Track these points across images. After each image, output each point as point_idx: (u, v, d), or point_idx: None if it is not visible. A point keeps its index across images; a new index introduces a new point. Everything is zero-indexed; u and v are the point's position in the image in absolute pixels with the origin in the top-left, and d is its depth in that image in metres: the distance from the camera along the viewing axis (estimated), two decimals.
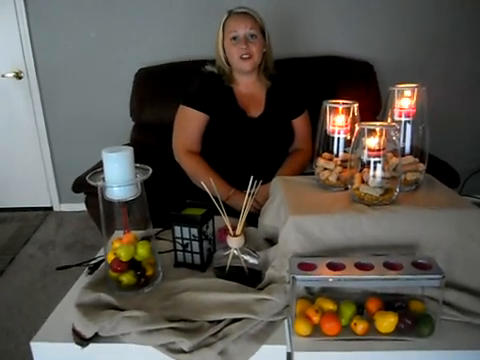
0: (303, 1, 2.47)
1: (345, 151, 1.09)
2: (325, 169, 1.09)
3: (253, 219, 1.17)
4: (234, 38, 1.55)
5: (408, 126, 1.06)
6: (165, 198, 1.43)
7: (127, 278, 0.93)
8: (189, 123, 1.62)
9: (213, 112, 1.59)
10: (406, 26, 2.50)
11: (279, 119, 1.64)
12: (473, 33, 2.51)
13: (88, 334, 0.82)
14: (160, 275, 0.99)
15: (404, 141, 1.07)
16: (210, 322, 0.84)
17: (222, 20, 1.59)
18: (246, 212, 0.97)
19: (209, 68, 1.66)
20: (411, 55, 2.53)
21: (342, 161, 1.09)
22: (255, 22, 1.56)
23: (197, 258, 1.03)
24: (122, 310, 0.85)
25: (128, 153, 0.89)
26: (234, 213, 1.04)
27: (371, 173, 0.94)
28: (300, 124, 1.68)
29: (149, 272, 0.96)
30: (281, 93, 1.66)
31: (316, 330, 0.81)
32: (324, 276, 0.80)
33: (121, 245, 0.94)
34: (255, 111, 1.61)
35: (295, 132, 1.68)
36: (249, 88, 1.64)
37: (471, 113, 2.67)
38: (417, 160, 1.06)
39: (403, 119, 1.05)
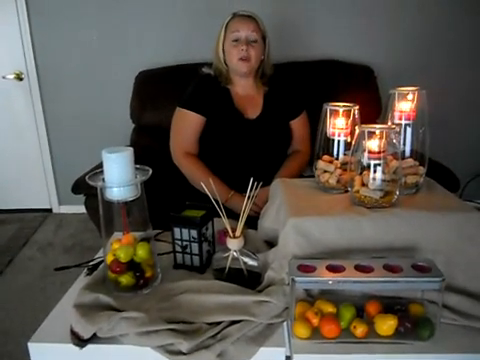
0: (303, 5, 2.48)
1: (345, 154, 1.09)
2: (325, 171, 1.09)
3: (253, 222, 1.17)
4: (236, 40, 1.55)
5: (408, 129, 1.06)
6: (165, 200, 1.42)
7: (126, 279, 0.93)
8: (186, 125, 1.62)
9: (210, 114, 1.59)
10: (406, 30, 2.51)
11: (277, 121, 1.64)
12: (473, 37, 2.52)
13: (86, 335, 0.81)
14: (159, 276, 0.98)
15: (404, 144, 1.07)
16: (209, 324, 0.84)
17: (225, 21, 1.59)
18: (246, 214, 0.97)
19: (206, 70, 1.67)
20: (411, 59, 2.54)
21: (342, 164, 1.09)
22: (258, 27, 1.57)
23: (196, 260, 1.03)
24: (120, 311, 0.85)
25: (128, 154, 0.89)
26: (233, 215, 1.04)
27: (371, 176, 0.94)
28: (298, 125, 1.68)
29: (148, 273, 0.96)
30: (279, 95, 1.66)
31: (315, 333, 0.80)
32: (324, 278, 0.79)
33: (120, 246, 0.93)
34: (252, 113, 1.61)
35: (293, 133, 1.68)
36: (246, 90, 1.64)
37: (471, 118, 2.67)
38: (417, 163, 1.06)
39: (403, 122, 1.05)
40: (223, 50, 1.60)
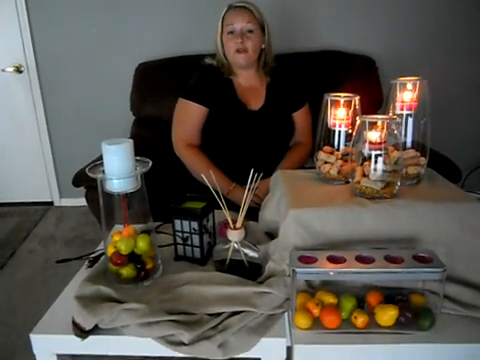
0: None
1: (346, 144, 1.08)
2: (326, 163, 1.08)
3: (254, 214, 1.16)
4: (231, 32, 1.54)
5: (409, 120, 1.05)
6: (165, 192, 1.42)
7: (127, 271, 0.93)
8: (188, 116, 1.61)
9: (212, 105, 1.58)
10: (407, 21, 2.48)
11: (279, 112, 1.63)
12: (474, 28, 2.49)
13: (88, 326, 0.82)
14: (160, 268, 0.99)
15: (405, 135, 1.06)
16: (210, 315, 0.84)
17: (222, 13, 1.58)
18: (246, 205, 0.97)
19: (208, 61, 1.65)
20: (413, 50, 2.52)
21: (343, 154, 1.08)
22: (253, 17, 1.54)
23: (197, 252, 1.03)
24: (122, 303, 0.85)
25: (128, 145, 0.88)
26: (234, 207, 1.03)
27: (372, 166, 0.93)
28: (300, 117, 1.67)
29: (149, 265, 0.96)
30: (281, 86, 1.65)
31: (316, 323, 0.81)
32: (324, 269, 0.79)
33: (121, 238, 0.93)
34: (255, 104, 1.61)
35: (295, 125, 1.67)
36: (249, 81, 1.63)
37: (473, 108, 2.66)
38: (418, 154, 1.06)
39: (405, 112, 1.05)
40: (222, 43, 1.59)
